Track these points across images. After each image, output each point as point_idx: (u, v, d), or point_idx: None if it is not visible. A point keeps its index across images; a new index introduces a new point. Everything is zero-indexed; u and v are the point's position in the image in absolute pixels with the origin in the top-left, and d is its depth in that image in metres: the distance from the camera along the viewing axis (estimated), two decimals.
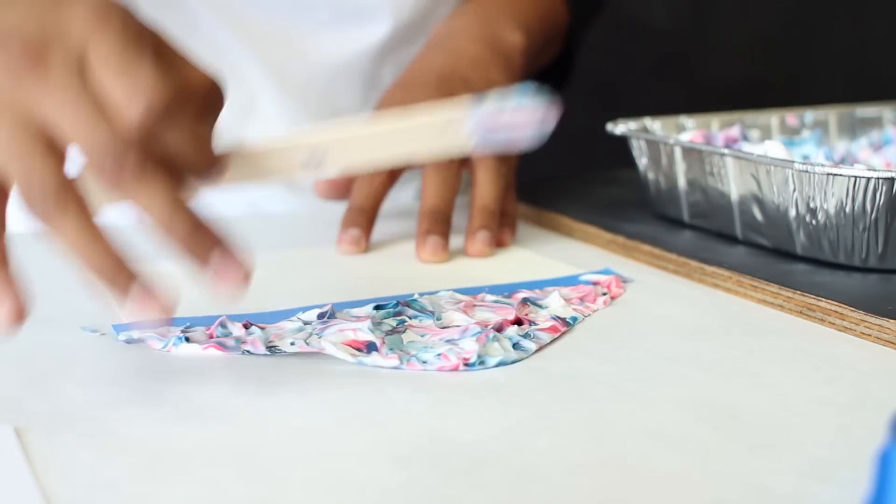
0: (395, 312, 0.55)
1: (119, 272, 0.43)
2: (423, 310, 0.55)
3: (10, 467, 0.40)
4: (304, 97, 0.87)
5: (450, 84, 0.77)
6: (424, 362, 0.50)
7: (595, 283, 0.62)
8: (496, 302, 0.57)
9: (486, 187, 0.72)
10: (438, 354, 0.50)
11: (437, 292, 0.58)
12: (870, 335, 0.54)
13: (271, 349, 0.51)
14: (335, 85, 0.88)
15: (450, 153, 0.50)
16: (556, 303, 0.57)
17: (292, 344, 0.51)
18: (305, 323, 0.54)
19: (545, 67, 0.91)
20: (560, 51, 0.92)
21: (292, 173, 0.48)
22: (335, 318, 0.54)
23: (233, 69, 0.85)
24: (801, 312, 0.58)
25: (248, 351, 0.51)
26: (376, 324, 0.53)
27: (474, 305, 0.56)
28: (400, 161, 0.51)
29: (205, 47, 0.85)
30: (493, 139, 0.47)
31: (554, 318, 0.55)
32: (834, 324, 0.56)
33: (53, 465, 0.40)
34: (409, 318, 0.55)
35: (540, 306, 0.57)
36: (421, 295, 0.57)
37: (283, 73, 0.86)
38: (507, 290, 0.60)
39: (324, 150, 0.47)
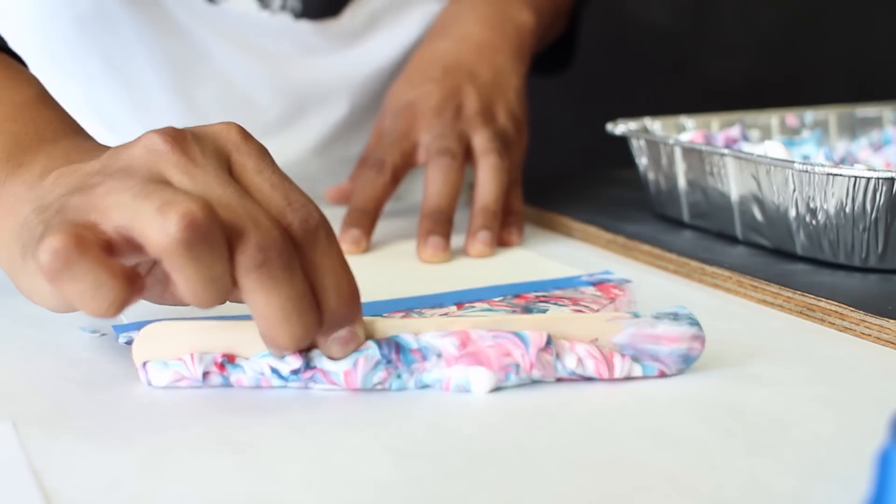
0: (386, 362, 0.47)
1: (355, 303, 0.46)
2: (413, 360, 0.47)
3: (10, 464, 0.40)
4: (318, 119, 0.88)
5: (455, 75, 0.77)
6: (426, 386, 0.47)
7: (596, 286, 0.62)
8: (495, 338, 0.47)
9: (487, 186, 0.72)
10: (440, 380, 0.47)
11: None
12: (870, 335, 0.54)
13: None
14: (348, 105, 0.88)
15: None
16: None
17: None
18: (281, 377, 0.47)
19: (549, 45, 0.91)
20: (564, 27, 0.92)
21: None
22: (314, 375, 0.47)
23: (245, 94, 0.85)
24: (801, 312, 0.58)
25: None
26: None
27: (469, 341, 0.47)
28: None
29: (216, 74, 0.85)
30: (641, 350, 0.48)
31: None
32: (834, 324, 0.56)
33: (53, 461, 0.40)
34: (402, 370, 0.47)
35: (542, 311, 0.56)
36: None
37: (296, 97, 0.87)
38: (507, 292, 0.60)
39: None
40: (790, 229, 0.64)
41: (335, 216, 0.76)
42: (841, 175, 0.60)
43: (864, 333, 0.55)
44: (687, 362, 0.49)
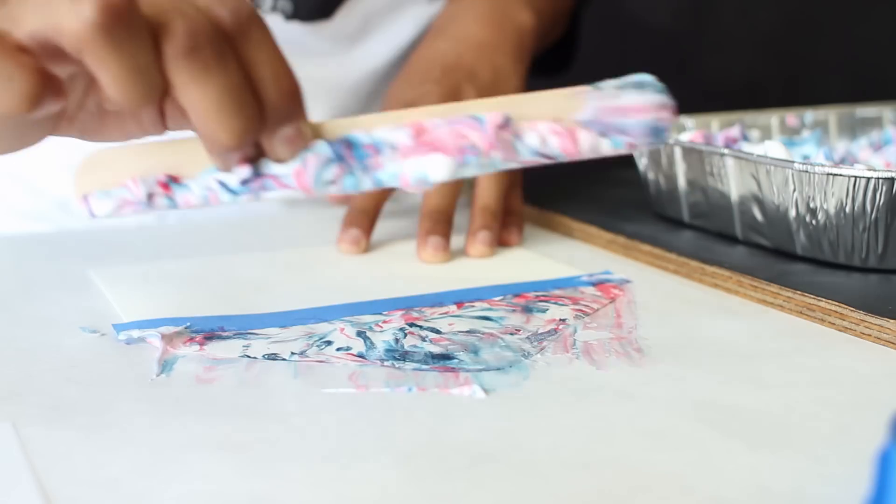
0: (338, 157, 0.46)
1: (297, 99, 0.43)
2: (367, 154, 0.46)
3: (10, 464, 0.40)
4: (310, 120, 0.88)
5: (454, 75, 0.77)
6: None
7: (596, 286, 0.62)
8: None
9: (487, 186, 0.72)
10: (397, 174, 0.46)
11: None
12: (870, 335, 0.54)
13: (272, 357, 0.51)
14: (340, 107, 0.88)
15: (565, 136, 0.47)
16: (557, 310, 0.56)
17: (293, 353, 0.51)
18: (230, 190, 0.46)
19: (549, 47, 0.91)
20: (564, 29, 0.92)
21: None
22: (264, 182, 0.46)
23: None
24: (801, 312, 0.58)
25: (248, 356, 0.51)
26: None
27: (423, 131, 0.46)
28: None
29: None
30: (607, 125, 0.46)
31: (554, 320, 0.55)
32: (834, 324, 0.56)
33: (53, 461, 0.40)
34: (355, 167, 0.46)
35: (542, 311, 0.57)
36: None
37: None
38: (507, 292, 0.60)
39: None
40: (790, 229, 0.64)
41: (335, 216, 0.76)
42: (841, 175, 0.60)
43: (864, 333, 0.55)
44: (657, 135, 0.46)
